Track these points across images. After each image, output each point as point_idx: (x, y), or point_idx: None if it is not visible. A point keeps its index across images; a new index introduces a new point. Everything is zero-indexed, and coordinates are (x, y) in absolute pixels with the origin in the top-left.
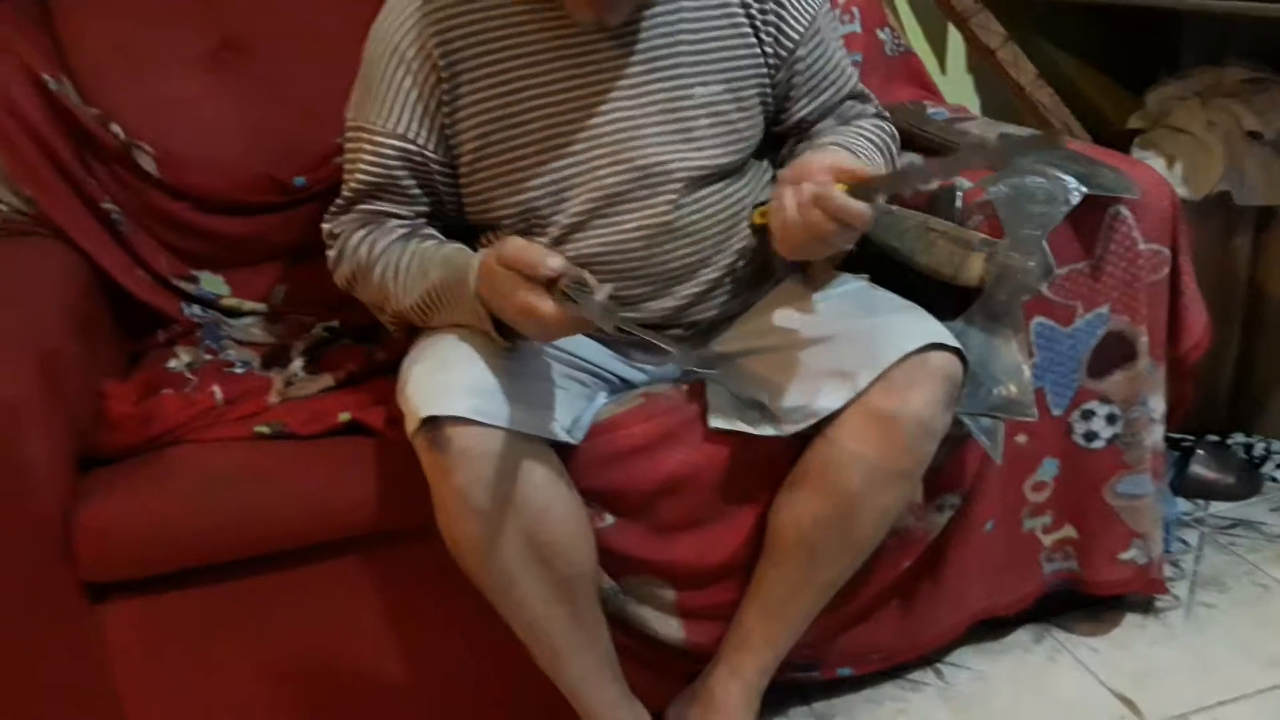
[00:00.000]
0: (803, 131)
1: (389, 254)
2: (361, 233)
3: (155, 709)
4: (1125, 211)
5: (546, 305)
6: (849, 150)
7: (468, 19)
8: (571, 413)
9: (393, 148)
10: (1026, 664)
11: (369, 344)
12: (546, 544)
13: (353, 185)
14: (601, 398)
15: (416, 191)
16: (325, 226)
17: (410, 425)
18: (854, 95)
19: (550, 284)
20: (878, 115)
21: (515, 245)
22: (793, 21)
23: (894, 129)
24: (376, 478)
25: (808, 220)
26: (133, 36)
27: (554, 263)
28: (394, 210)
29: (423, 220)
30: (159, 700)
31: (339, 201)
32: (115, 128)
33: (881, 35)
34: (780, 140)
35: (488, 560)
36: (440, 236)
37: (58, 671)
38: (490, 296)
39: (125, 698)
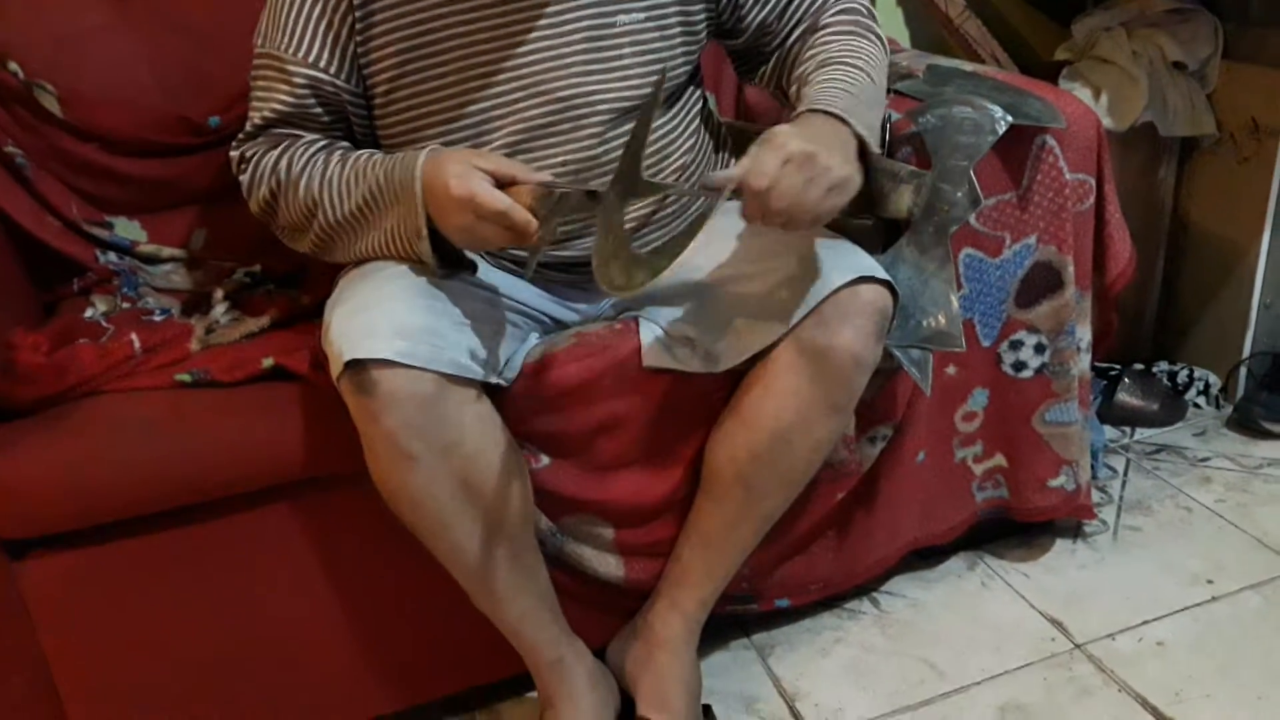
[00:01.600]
0: (765, 35)
1: (314, 163)
2: (276, 152)
3: (81, 667)
4: (1052, 141)
5: (488, 194)
6: (843, 64)
7: None
8: (503, 354)
9: (303, 77)
10: (960, 591)
11: (292, 288)
12: (480, 486)
13: (265, 114)
14: (534, 338)
15: (328, 119)
16: (234, 154)
17: (335, 369)
18: None
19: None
20: None
21: (496, 157)
22: None
23: (865, 4)
24: (303, 423)
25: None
26: None
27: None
28: (306, 135)
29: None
30: (85, 658)
31: (247, 129)
32: (14, 66)
33: None
34: (752, 56)
35: (420, 505)
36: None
37: None
38: (433, 180)
39: (51, 657)
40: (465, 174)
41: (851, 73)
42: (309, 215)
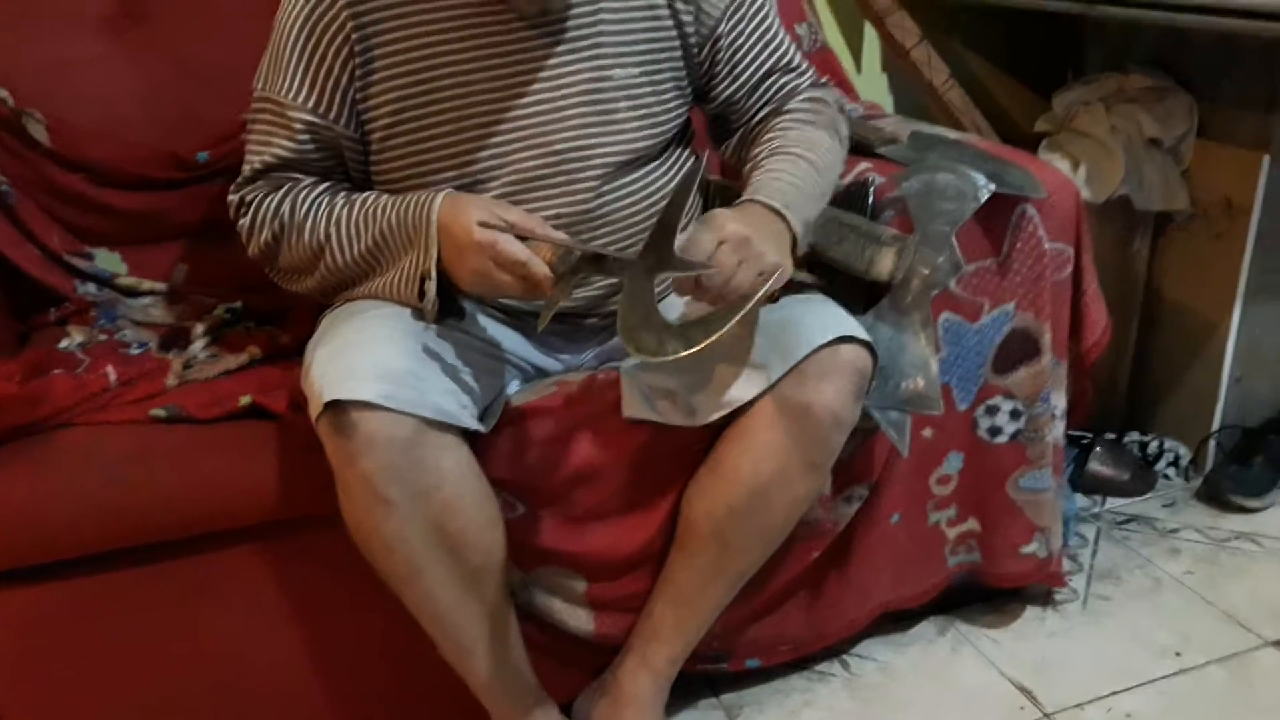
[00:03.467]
0: (733, 110)
1: (319, 205)
2: (277, 195)
3: (35, 710)
4: (1032, 211)
5: (510, 243)
6: (794, 156)
7: None
8: (483, 400)
9: (302, 122)
10: (930, 655)
11: (273, 326)
12: (455, 534)
13: (265, 158)
14: (514, 385)
15: (328, 164)
16: (232, 198)
17: (314, 409)
18: (781, 69)
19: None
20: (812, 87)
21: (518, 210)
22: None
23: (836, 95)
24: (278, 463)
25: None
26: None
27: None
28: (306, 179)
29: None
30: (40, 701)
31: (245, 172)
32: (3, 94)
33: (799, 30)
34: (721, 125)
35: (393, 550)
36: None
37: None
38: (451, 223)
39: (2, 698)
40: (489, 221)
41: (800, 165)
42: (315, 257)
